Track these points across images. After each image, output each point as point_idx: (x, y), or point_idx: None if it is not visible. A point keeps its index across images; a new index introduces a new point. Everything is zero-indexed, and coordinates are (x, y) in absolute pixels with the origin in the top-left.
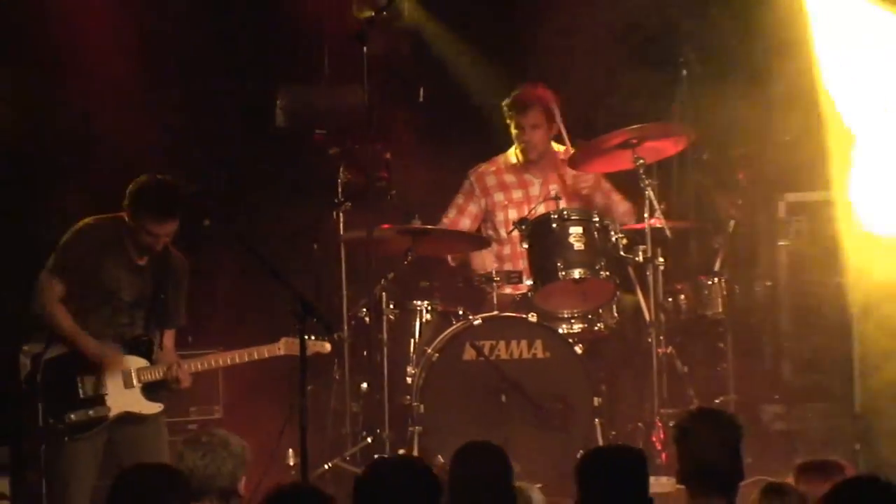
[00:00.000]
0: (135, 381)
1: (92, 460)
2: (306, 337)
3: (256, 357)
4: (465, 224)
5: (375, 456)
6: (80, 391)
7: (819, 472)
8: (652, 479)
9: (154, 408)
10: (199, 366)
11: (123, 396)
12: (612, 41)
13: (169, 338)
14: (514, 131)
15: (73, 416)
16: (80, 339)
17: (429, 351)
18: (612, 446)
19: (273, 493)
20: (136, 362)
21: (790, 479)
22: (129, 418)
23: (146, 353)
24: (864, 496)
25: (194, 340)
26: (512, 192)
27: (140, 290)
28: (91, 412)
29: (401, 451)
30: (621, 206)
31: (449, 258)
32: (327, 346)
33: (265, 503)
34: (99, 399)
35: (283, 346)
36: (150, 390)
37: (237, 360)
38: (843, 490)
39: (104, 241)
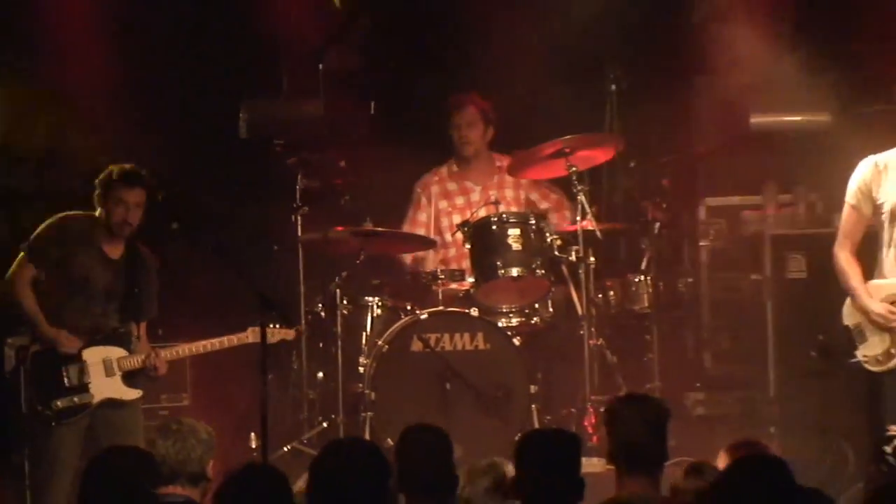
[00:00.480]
0: (115, 370)
1: (76, 444)
2: (273, 326)
3: (227, 345)
4: (420, 232)
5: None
6: (66, 380)
7: (747, 450)
8: (584, 460)
9: (133, 394)
10: (175, 354)
11: (105, 384)
12: (547, 59)
13: (141, 329)
14: (452, 132)
15: (59, 403)
16: (38, 321)
17: (379, 343)
18: (548, 429)
19: (233, 473)
20: (116, 352)
21: (712, 460)
22: (110, 404)
23: (125, 343)
24: (757, 473)
25: (164, 333)
26: (454, 198)
27: (112, 283)
28: (76, 399)
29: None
30: (551, 210)
31: (409, 256)
32: (291, 333)
33: (226, 482)
34: (83, 387)
35: (251, 335)
36: (129, 378)
37: (209, 348)
38: (737, 468)
39: (77, 232)
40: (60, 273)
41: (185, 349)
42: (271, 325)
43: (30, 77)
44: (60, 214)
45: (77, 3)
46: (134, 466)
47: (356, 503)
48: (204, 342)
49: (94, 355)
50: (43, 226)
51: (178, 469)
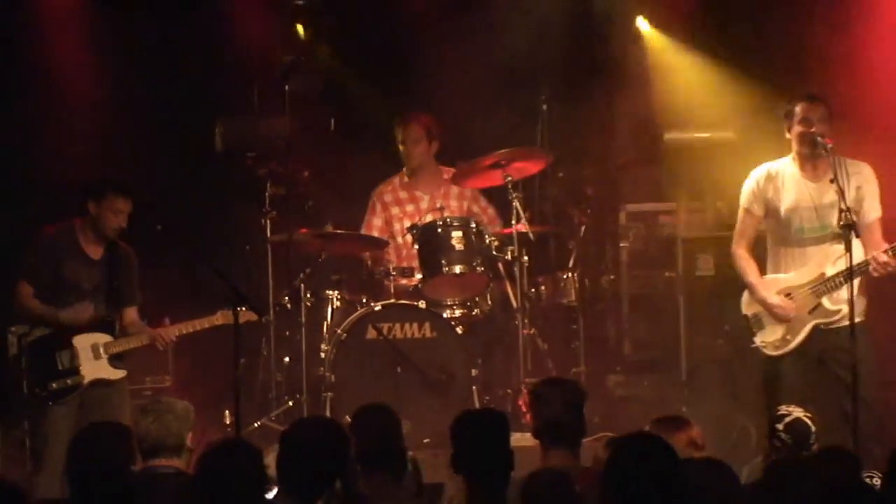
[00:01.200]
0: (102, 353)
1: (69, 420)
2: (239, 308)
3: (199, 327)
4: (374, 234)
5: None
6: (59, 364)
7: (671, 423)
8: (518, 436)
9: (119, 374)
10: (167, 333)
11: (94, 366)
12: (487, 81)
13: (131, 314)
14: (399, 147)
15: (54, 384)
16: (55, 317)
17: (338, 331)
18: (479, 409)
19: (212, 444)
20: (102, 338)
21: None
22: (99, 384)
23: (110, 330)
24: (640, 450)
25: (149, 322)
26: (405, 205)
27: (96, 280)
28: (69, 381)
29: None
30: (487, 216)
31: (367, 256)
32: (254, 316)
33: (206, 453)
34: (74, 370)
35: (221, 317)
36: (114, 360)
37: (186, 330)
38: (623, 446)
39: (60, 245)
40: (53, 281)
41: (173, 330)
42: (241, 309)
43: (26, 92)
44: (41, 232)
45: (71, 29)
46: (111, 439)
47: (321, 471)
48: (180, 325)
49: (83, 341)
50: (29, 249)
51: (160, 443)
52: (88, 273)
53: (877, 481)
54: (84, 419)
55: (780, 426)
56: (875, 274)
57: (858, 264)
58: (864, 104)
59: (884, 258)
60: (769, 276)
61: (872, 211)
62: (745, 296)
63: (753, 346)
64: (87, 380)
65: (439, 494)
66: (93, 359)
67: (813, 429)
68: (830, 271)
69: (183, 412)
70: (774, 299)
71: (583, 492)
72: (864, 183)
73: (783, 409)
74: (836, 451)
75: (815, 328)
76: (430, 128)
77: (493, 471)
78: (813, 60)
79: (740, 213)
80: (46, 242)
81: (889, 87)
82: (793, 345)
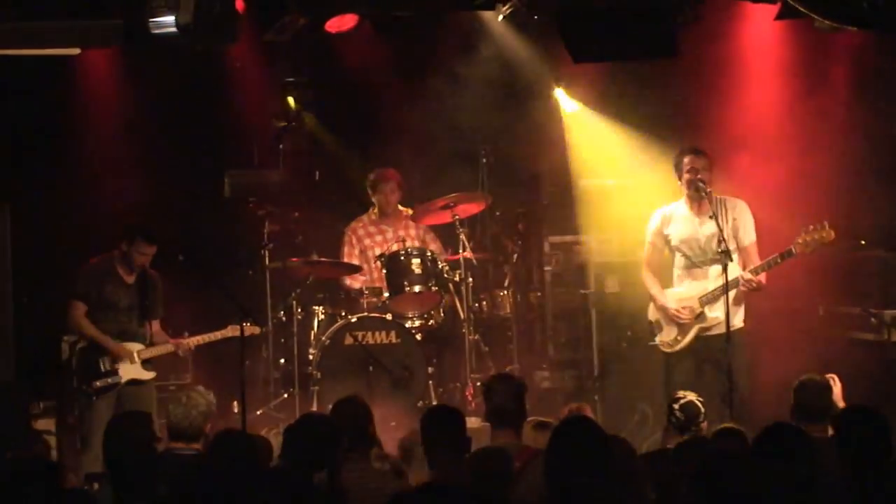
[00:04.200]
0: (137, 359)
1: (110, 411)
2: (245, 323)
3: (214, 338)
4: (351, 262)
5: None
6: (102, 367)
7: (578, 408)
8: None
9: (149, 375)
10: (187, 343)
11: (130, 369)
12: (437, 137)
13: (156, 325)
14: (377, 196)
15: (97, 383)
16: (102, 341)
17: (323, 338)
18: (441, 406)
19: (218, 434)
20: (136, 346)
21: (554, 419)
22: (133, 382)
23: (143, 340)
24: (581, 432)
25: (173, 333)
26: (374, 237)
27: (131, 299)
28: (109, 380)
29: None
30: (435, 246)
31: (347, 280)
32: (257, 329)
33: (215, 440)
34: (114, 371)
35: (231, 330)
36: (146, 364)
37: (203, 341)
38: (564, 424)
39: (103, 272)
40: (98, 301)
41: (192, 341)
42: (246, 324)
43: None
44: (88, 262)
45: (104, 99)
46: (136, 425)
47: (316, 457)
48: (197, 337)
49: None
50: (80, 275)
51: (181, 430)
52: (124, 294)
53: None
54: (120, 410)
55: (675, 406)
56: (744, 288)
57: (731, 280)
58: (732, 151)
59: (748, 276)
60: (669, 290)
61: (747, 237)
62: (651, 306)
63: (653, 343)
64: (123, 379)
65: (408, 455)
66: (129, 363)
67: (702, 410)
68: (712, 286)
69: (206, 406)
70: (673, 306)
71: (522, 465)
72: (738, 215)
73: (679, 393)
74: (728, 429)
75: (699, 332)
76: (400, 182)
77: (455, 452)
78: (695, 119)
79: (646, 244)
80: (92, 270)
81: (751, 138)
82: (682, 345)
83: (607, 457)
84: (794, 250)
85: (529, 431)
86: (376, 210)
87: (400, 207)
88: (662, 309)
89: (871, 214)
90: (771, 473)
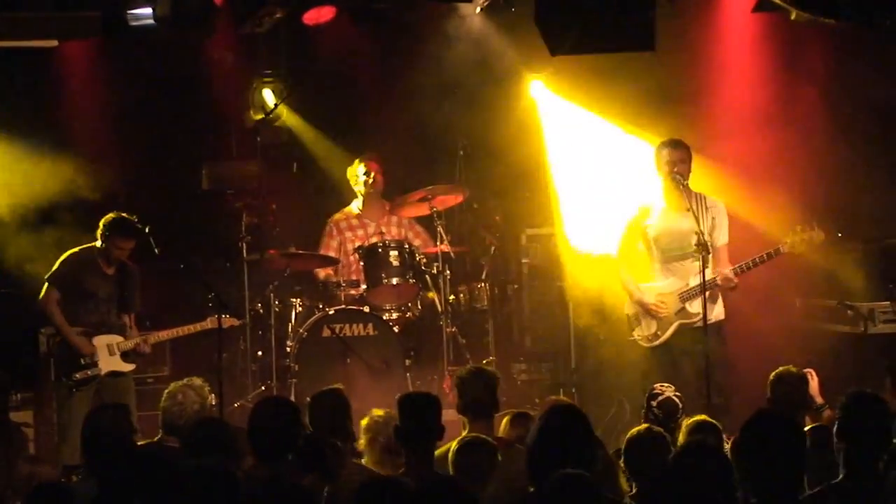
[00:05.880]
0: (116, 351)
1: (88, 403)
2: (224, 316)
3: (192, 330)
4: (330, 254)
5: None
6: (81, 359)
7: (555, 401)
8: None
9: (128, 367)
10: (158, 337)
11: (109, 361)
12: (415, 131)
13: (131, 320)
14: (364, 179)
15: (77, 375)
16: (65, 331)
17: (300, 330)
18: (418, 392)
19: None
20: (115, 339)
21: (531, 411)
22: (112, 374)
23: (121, 332)
24: (566, 420)
25: (150, 323)
26: (356, 230)
27: (110, 291)
28: (89, 372)
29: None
30: (420, 239)
31: (322, 272)
32: (236, 321)
33: (191, 430)
34: (93, 364)
35: (210, 323)
36: (125, 356)
37: (181, 333)
38: (550, 413)
39: (83, 262)
40: (75, 290)
41: (164, 334)
42: (224, 316)
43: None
44: (69, 252)
45: (81, 91)
46: (114, 417)
47: (280, 438)
48: (176, 329)
49: (101, 341)
50: (58, 262)
51: (175, 427)
52: (103, 285)
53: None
54: (99, 402)
55: (654, 402)
56: (721, 286)
57: (710, 279)
58: (710, 142)
59: (729, 274)
60: (646, 284)
61: (721, 238)
62: (628, 300)
63: (631, 338)
64: (103, 371)
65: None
66: (108, 355)
67: (680, 406)
68: (693, 282)
69: (199, 407)
70: (650, 300)
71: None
72: (717, 215)
73: (657, 389)
74: (702, 422)
75: (680, 327)
76: (381, 167)
77: (428, 439)
78: (674, 110)
79: (623, 237)
80: (73, 259)
81: (725, 119)
82: (662, 339)
83: (594, 446)
84: (781, 250)
85: (506, 423)
86: (360, 204)
87: (383, 201)
88: (639, 303)
89: (850, 205)
90: (745, 464)
